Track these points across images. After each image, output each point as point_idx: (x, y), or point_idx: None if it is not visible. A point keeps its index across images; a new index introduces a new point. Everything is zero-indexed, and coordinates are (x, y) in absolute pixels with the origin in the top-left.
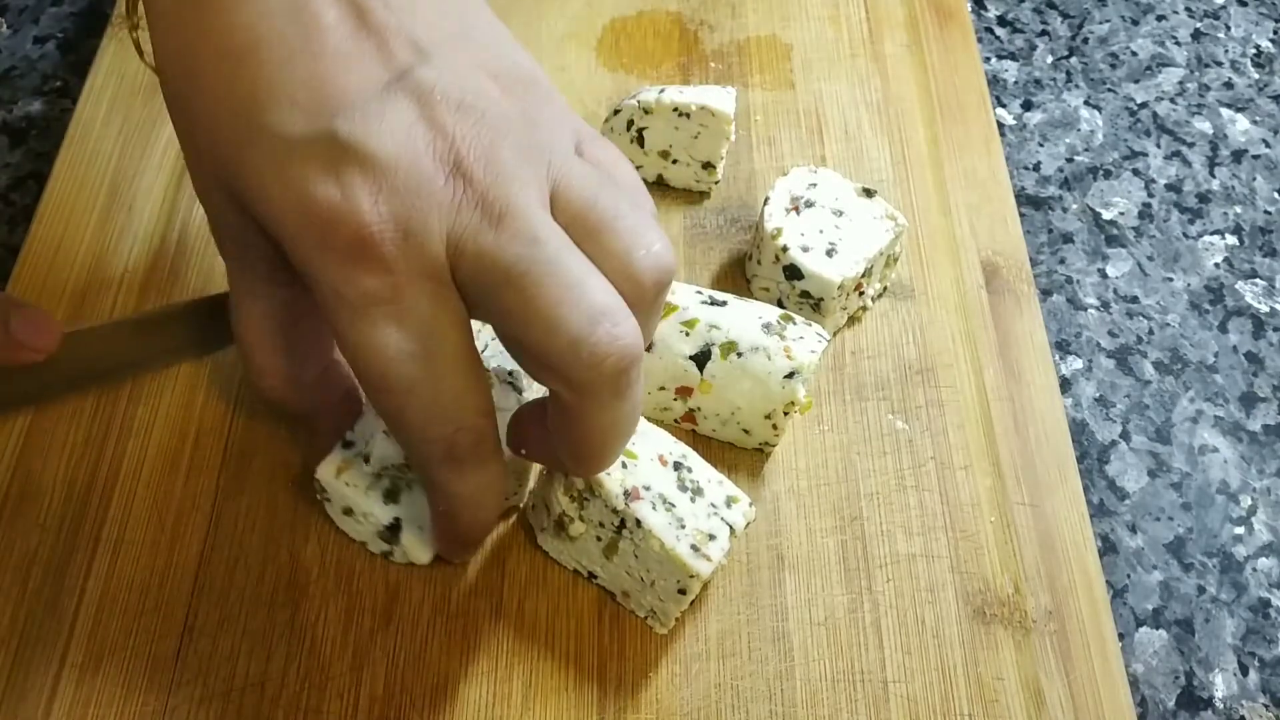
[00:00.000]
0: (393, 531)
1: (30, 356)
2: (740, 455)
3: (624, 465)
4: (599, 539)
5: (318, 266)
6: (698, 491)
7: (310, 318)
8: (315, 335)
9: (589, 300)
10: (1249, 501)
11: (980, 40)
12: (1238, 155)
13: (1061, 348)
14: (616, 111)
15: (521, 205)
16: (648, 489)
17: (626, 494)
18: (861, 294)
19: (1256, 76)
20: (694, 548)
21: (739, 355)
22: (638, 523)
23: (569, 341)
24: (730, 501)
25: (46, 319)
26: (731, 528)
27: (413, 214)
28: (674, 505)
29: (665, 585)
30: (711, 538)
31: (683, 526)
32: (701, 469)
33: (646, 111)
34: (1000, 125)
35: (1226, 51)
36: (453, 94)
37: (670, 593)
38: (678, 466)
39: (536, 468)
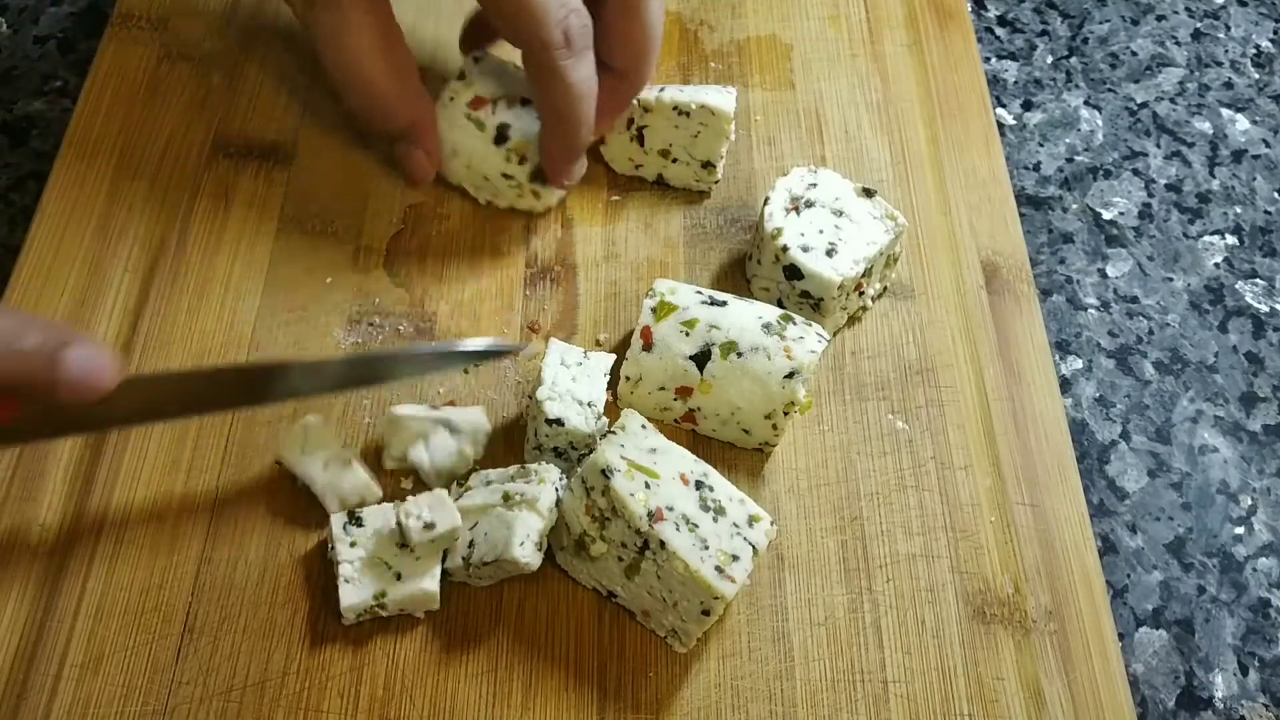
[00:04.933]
0: None
1: (81, 395)
2: (740, 455)
3: (647, 485)
4: (620, 559)
5: None
6: (720, 511)
7: (399, 41)
8: (404, 48)
9: None
10: (1249, 501)
11: (980, 40)
12: (1238, 155)
13: (1061, 348)
14: None
15: None
16: (670, 509)
17: (650, 515)
18: (861, 294)
19: (1256, 76)
20: (718, 569)
21: (739, 355)
22: (661, 544)
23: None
24: (752, 520)
25: (103, 359)
26: (754, 547)
27: None
28: (697, 525)
29: (688, 606)
30: (735, 558)
31: (706, 547)
32: (723, 487)
33: (646, 110)
34: (1000, 125)
35: (1226, 51)
36: None
37: (693, 613)
38: (699, 485)
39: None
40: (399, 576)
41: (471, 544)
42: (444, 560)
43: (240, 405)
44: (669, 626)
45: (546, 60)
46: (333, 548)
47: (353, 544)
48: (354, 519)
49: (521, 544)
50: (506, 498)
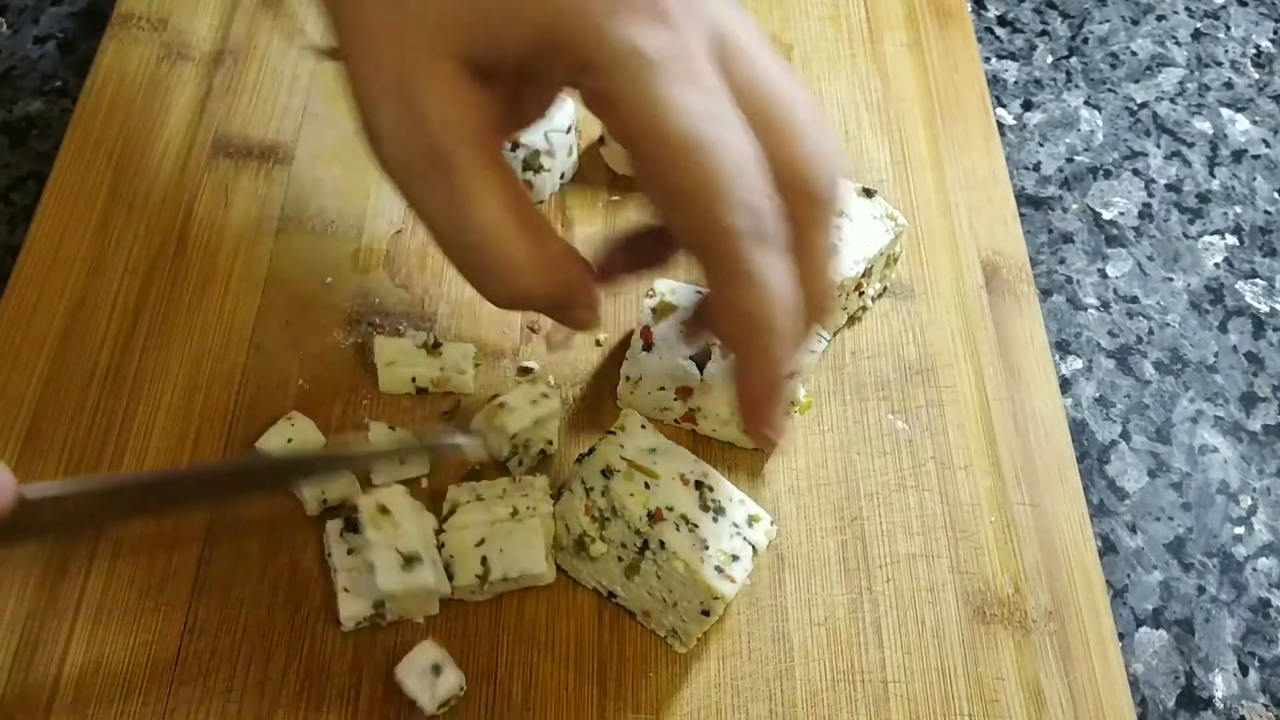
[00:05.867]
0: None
1: None
2: (740, 455)
3: (646, 485)
4: (620, 559)
5: (610, 32)
6: (720, 511)
7: (521, 192)
8: (531, 201)
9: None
10: (1249, 501)
11: (980, 40)
12: (1238, 155)
13: (1061, 348)
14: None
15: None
16: (670, 509)
17: (650, 515)
18: (861, 294)
19: (1256, 76)
20: (718, 569)
21: None
22: (661, 544)
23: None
24: (752, 520)
25: None
26: (754, 547)
27: None
28: (696, 526)
29: (688, 606)
30: (735, 558)
31: (706, 548)
32: (722, 487)
33: None
34: (1000, 125)
35: (1226, 51)
36: None
37: (693, 613)
38: (699, 485)
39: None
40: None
41: (485, 561)
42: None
43: (158, 512)
44: (669, 626)
45: (728, 253)
46: (329, 555)
47: (350, 551)
48: (350, 525)
49: (546, 558)
50: (515, 512)
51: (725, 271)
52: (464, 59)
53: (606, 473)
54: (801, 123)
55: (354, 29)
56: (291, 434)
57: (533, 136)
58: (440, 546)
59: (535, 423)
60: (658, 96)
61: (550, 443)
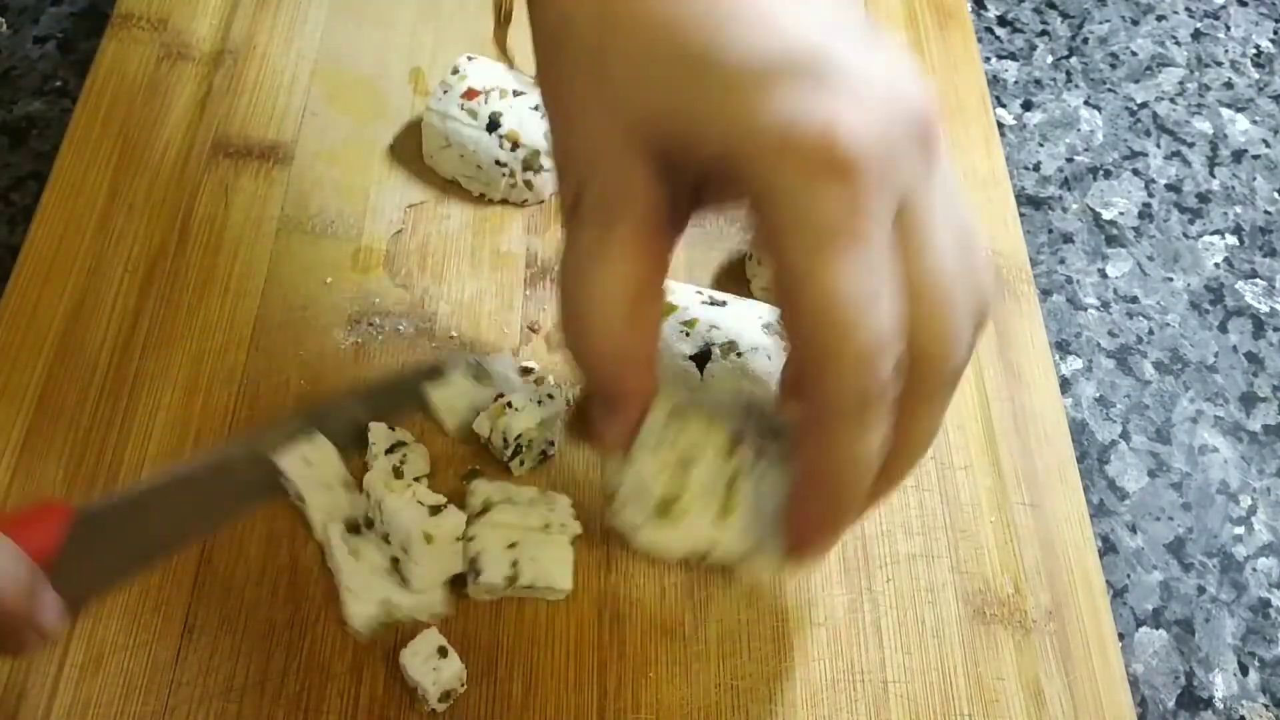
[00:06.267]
0: None
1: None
2: None
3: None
4: (707, 506)
5: (785, 189)
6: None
7: (658, 294)
8: (658, 312)
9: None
10: (1249, 501)
11: (980, 40)
12: (1238, 155)
13: (1061, 348)
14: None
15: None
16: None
17: (731, 440)
18: None
19: (1256, 76)
20: None
21: (739, 355)
22: (752, 464)
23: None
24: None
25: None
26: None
27: (892, 137)
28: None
29: None
30: None
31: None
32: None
33: None
34: (1000, 125)
35: (1226, 51)
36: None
37: None
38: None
39: None
40: (405, 582)
41: (515, 565)
42: (470, 575)
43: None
44: (776, 555)
45: (829, 423)
46: (331, 558)
47: (352, 553)
48: (352, 528)
49: (571, 575)
50: (547, 525)
51: (818, 432)
52: (655, 150)
53: (676, 412)
54: (949, 295)
55: (560, 98)
56: (310, 454)
57: (533, 136)
58: (470, 539)
59: (540, 423)
60: (815, 265)
61: (552, 443)
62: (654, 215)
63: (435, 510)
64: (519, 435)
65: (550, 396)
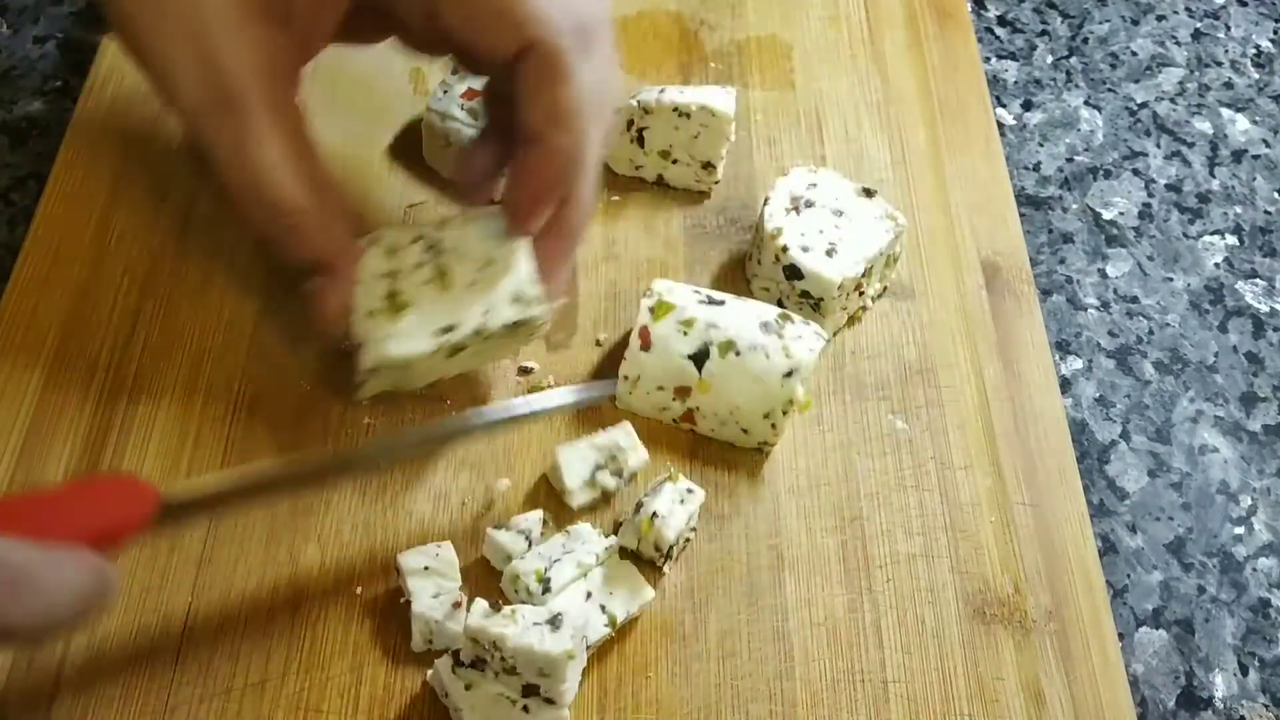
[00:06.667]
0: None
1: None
2: (740, 455)
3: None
4: (424, 280)
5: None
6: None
7: (310, 140)
8: (322, 163)
9: None
10: (1249, 501)
11: (980, 40)
12: (1238, 155)
13: (1061, 348)
14: (616, 111)
15: None
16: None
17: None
18: (861, 294)
19: (1256, 76)
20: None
21: (737, 354)
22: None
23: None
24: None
25: (104, 582)
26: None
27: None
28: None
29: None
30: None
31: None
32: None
33: (646, 111)
34: (1000, 125)
35: (1226, 51)
36: None
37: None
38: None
39: None
40: (526, 710)
41: (605, 609)
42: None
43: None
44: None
45: (554, 56)
46: (445, 695)
47: (468, 686)
48: (459, 660)
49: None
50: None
51: (546, 73)
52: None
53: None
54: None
55: (147, 15)
56: (433, 563)
57: None
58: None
59: (688, 520)
60: (574, 67)
61: (694, 530)
62: (280, 69)
63: (554, 624)
64: (672, 544)
65: (690, 491)
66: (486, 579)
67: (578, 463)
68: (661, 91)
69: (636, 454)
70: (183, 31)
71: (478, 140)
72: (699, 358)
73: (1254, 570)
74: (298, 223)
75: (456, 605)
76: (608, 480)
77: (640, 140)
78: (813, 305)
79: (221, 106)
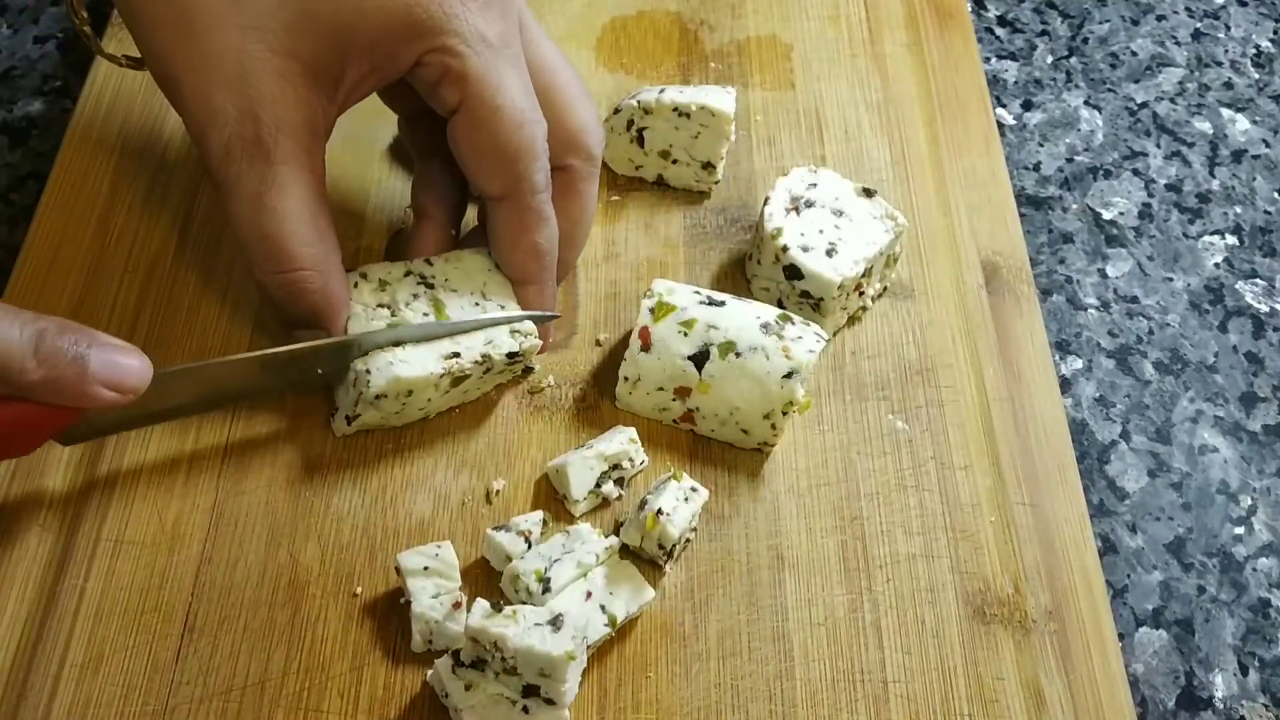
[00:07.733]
0: None
1: (110, 400)
2: (740, 455)
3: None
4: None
5: (463, 20)
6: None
7: (326, 200)
8: (331, 221)
9: None
10: (1249, 501)
11: (980, 40)
12: (1238, 155)
13: (1061, 348)
14: (616, 111)
15: None
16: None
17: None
18: (861, 294)
19: (1256, 76)
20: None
21: (737, 355)
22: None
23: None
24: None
25: (130, 361)
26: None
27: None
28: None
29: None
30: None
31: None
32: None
33: (646, 111)
34: (1000, 125)
35: (1226, 51)
36: None
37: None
38: None
39: None
40: (526, 710)
41: (605, 609)
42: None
43: (280, 391)
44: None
45: (534, 204)
46: (445, 695)
47: (468, 687)
48: (459, 660)
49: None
50: (585, 573)
51: (529, 217)
52: (305, 59)
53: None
54: (574, 96)
55: (190, 22)
56: (432, 563)
57: None
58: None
59: (691, 519)
60: (500, 77)
61: (695, 530)
62: (314, 128)
63: (555, 625)
64: (675, 542)
65: (694, 490)
66: (486, 579)
67: (584, 471)
68: (661, 91)
69: (639, 461)
70: (223, 77)
71: (414, 224)
72: (699, 359)
73: (1254, 570)
74: (299, 278)
75: (456, 605)
76: (612, 490)
77: (640, 140)
78: (813, 305)
79: (251, 153)
